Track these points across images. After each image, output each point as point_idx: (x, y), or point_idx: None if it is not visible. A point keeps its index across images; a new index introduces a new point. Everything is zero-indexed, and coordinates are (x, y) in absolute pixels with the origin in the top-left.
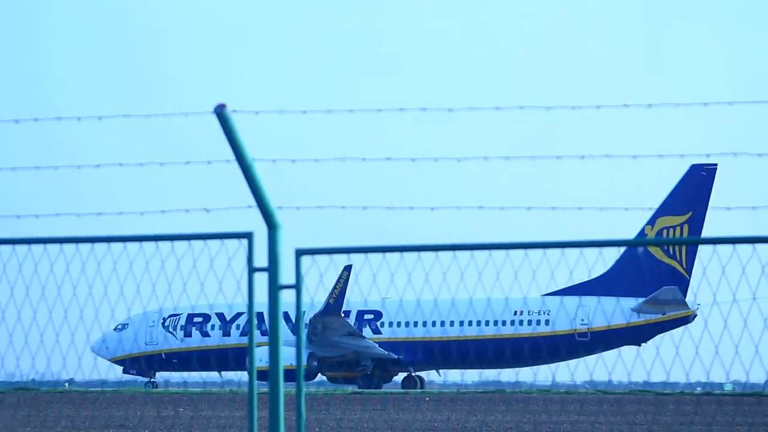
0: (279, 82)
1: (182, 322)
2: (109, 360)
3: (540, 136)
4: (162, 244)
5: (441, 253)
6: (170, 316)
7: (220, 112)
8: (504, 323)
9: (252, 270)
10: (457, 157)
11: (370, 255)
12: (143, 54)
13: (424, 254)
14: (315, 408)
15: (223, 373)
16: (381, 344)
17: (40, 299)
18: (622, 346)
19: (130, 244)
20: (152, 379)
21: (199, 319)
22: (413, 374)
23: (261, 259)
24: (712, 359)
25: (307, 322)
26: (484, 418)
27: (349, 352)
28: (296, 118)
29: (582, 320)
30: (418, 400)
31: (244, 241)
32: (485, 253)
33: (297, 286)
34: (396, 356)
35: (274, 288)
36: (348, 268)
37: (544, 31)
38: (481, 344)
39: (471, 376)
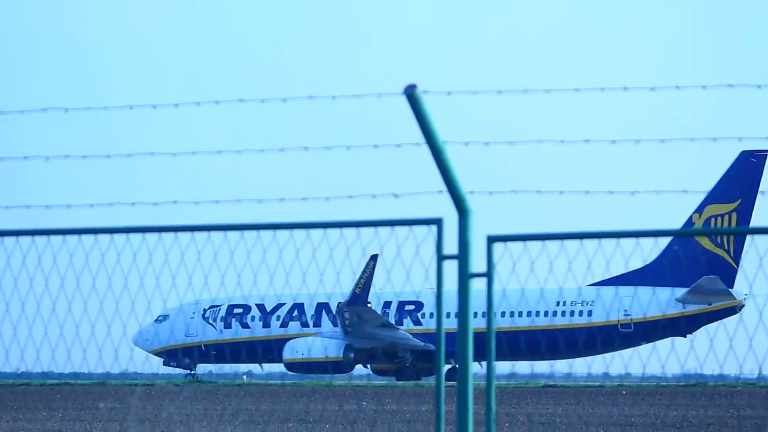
0: (469, 60)
1: (222, 313)
2: (149, 352)
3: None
4: (331, 231)
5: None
6: (210, 307)
7: (411, 93)
8: (546, 314)
9: (441, 258)
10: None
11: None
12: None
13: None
14: (504, 402)
15: (264, 365)
16: (421, 335)
17: (123, 289)
18: (666, 337)
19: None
20: (193, 372)
21: (239, 311)
22: (456, 366)
23: (450, 247)
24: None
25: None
26: (684, 413)
27: (385, 344)
28: (490, 98)
29: (625, 311)
30: (614, 394)
31: (433, 228)
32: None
33: (488, 275)
34: (434, 348)
35: (465, 276)
36: (374, 257)
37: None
38: (516, 336)
39: (521, 367)
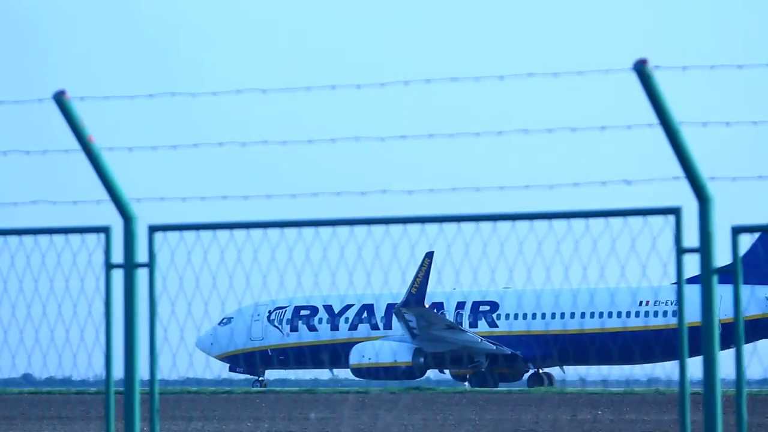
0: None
1: (288, 315)
2: (215, 357)
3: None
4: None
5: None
6: (275, 309)
7: (641, 68)
8: (629, 314)
9: (681, 251)
10: None
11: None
12: None
13: None
14: (757, 411)
15: (335, 370)
16: (497, 338)
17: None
18: (758, 339)
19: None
20: (260, 378)
21: (306, 312)
22: (540, 371)
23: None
24: None
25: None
26: None
27: (458, 347)
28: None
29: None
30: None
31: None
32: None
33: (734, 268)
34: (509, 351)
35: (708, 272)
36: (430, 255)
37: None
38: (601, 338)
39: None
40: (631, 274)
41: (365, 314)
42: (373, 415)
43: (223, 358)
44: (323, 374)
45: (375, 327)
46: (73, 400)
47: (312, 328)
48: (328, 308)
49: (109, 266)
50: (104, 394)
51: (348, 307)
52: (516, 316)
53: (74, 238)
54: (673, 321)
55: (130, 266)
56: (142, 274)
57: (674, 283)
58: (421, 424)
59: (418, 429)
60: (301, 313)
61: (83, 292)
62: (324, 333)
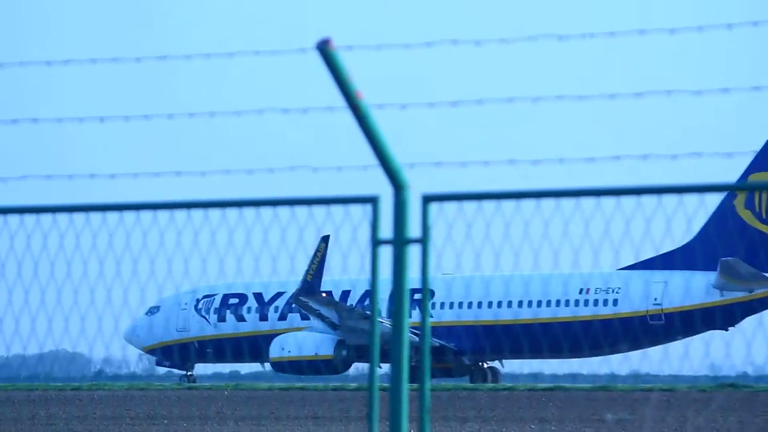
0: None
1: (216, 304)
2: (141, 349)
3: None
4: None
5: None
6: (204, 297)
7: (324, 48)
8: (567, 303)
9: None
10: None
11: None
12: None
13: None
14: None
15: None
16: (435, 329)
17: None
18: (706, 330)
19: None
20: (189, 372)
21: (235, 301)
22: (482, 365)
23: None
24: None
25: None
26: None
27: (383, 340)
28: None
29: (655, 299)
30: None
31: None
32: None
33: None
34: (437, 343)
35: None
36: (325, 239)
37: None
38: (533, 329)
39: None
40: (583, 259)
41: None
42: None
43: (150, 350)
44: (257, 367)
45: (306, 317)
46: (331, 398)
47: (240, 318)
48: (258, 296)
49: None
50: (367, 391)
51: (279, 294)
52: (447, 305)
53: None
54: (605, 311)
55: None
56: None
57: (623, 268)
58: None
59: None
60: (229, 302)
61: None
62: (252, 323)
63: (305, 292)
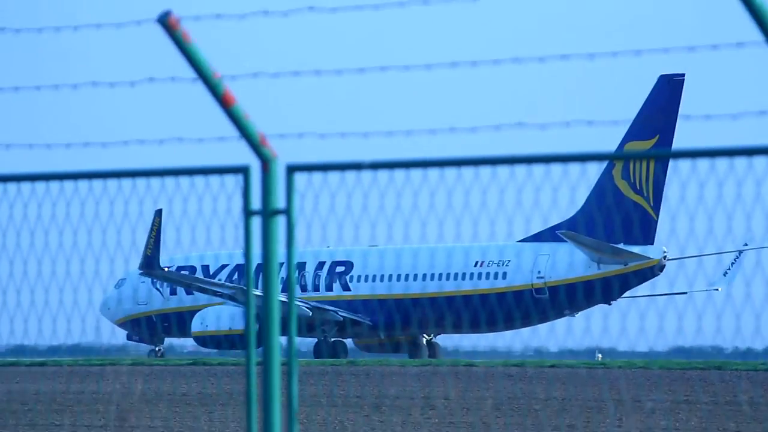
0: None
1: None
2: (114, 322)
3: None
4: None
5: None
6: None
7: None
8: (464, 276)
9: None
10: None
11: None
12: None
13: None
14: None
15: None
16: (348, 303)
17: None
18: (592, 305)
19: None
20: (157, 347)
21: (185, 273)
22: (417, 340)
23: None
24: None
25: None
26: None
27: (299, 316)
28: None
29: (539, 273)
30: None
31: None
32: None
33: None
34: (341, 317)
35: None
36: (158, 213)
37: None
38: (421, 303)
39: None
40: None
41: (236, 275)
42: None
43: (121, 323)
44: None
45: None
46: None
47: (189, 291)
48: (205, 268)
49: None
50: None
51: (223, 267)
52: (363, 278)
53: None
54: (502, 284)
55: None
56: None
57: (521, 240)
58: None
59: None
60: (181, 273)
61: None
62: (200, 296)
63: (146, 266)
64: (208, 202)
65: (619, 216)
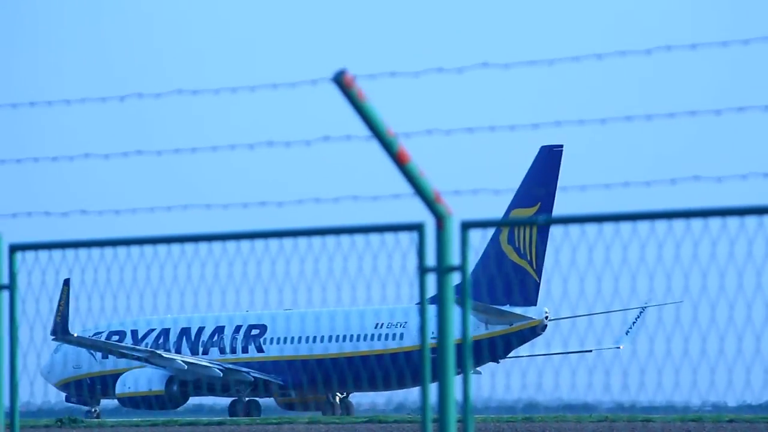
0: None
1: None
2: (54, 386)
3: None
4: None
5: None
6: (95, 334)
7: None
8: (366, 338)
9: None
10: None
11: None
12: None
13: None
14: None
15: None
16: (259, 364)
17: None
18: (482, 363)
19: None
20: (94, 408)
21: (116, 338)
22: (331, 399)
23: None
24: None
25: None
26: None
27: (204, 376)
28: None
29: (433, 333)
30: None
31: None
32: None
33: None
34: (251, 378)
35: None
36: (67, 282)
37: None
38: (324, 363)
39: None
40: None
41: (161, 339)
42: None
43: (60, 386)
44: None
45: (223, 350)
46: None
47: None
48: (134, 333)
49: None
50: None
51: (150, 331)
52: (276, 341)
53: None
54: (407, 344)
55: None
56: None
57: (418, 303)
58: None
59: None
60: (112, 339)
61: None
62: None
63: (56, 333)
64: (383, 259)
65: (506, 279)
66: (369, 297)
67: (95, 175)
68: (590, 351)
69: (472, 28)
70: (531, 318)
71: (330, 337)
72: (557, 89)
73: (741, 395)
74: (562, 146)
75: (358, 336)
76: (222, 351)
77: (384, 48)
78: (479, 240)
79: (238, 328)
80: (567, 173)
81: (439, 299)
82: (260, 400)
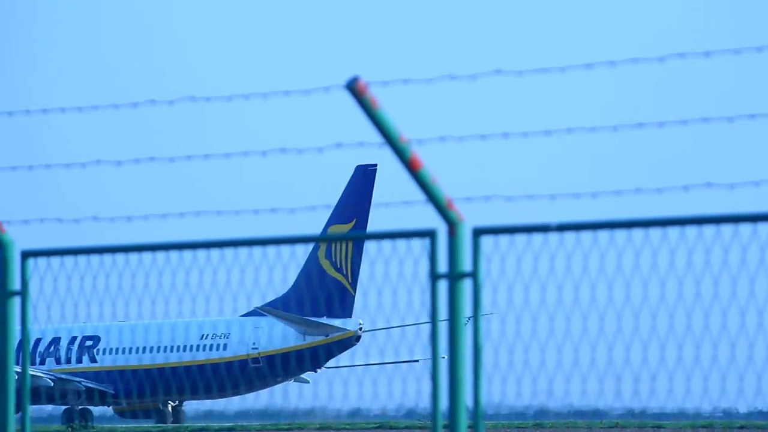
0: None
1: (41, 348)
2: None
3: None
4: None
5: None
6: (37, 339)
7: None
8: (191, 348)
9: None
10: None
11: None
12: None
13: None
14: None
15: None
16: (94, 374)
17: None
18: (302, 372)
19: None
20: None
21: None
22: (162, 407)
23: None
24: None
25: None
26: None
27: (36, 386)
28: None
29: (254, 344)
30: None
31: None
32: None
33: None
34: (83, 387)
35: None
36: None
37: None
38: (152, 373)
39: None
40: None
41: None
42: None
43: None
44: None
45: (59, 361)
46: None
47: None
48: (38, 342)
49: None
50: None
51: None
52: (108, 351)
53: None
54: (229, 354)
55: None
56: None
57: (243, 315)
58: None
59: None
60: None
61: None
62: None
63: None
64: (395, 266)
65: (323, 292)
66: (380, 303)
67: (107, 182)
68: (416, 361)
69: (484, 35)
70: (345, 329)
71: (158, 348)
72: (570, 96)
73: (752, 401)
74: (376, 165)
75: (184, 347)
76: (58, 361)
77: (397, 55)
78: (491, 247)
79: (73, 339)
80: (580, 181)
81: (450, 306)
82: (95, 409)
